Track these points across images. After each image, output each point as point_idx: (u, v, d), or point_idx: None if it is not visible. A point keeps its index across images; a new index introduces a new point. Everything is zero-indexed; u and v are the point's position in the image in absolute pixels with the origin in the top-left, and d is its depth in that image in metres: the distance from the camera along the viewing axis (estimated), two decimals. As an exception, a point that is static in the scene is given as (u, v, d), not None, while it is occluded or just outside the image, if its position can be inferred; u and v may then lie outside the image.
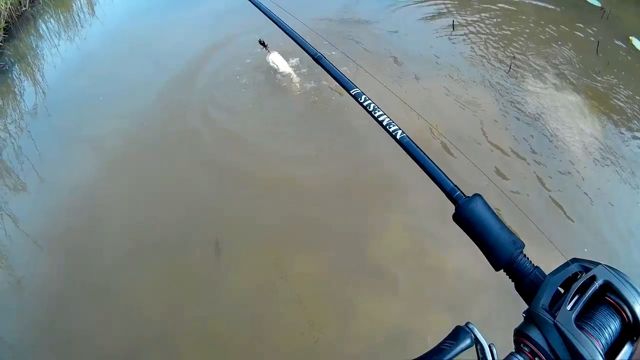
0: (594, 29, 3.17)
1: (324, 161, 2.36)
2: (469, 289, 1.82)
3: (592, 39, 3.05)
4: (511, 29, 3.22)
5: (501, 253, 0.50)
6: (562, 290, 0.44)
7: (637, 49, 3.12)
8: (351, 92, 0.75)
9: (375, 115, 0.69)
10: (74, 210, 2.30)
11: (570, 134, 2.43)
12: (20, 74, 3.33)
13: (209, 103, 2.75)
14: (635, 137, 2.43)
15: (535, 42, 3.08)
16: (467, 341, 0.42)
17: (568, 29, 3.20)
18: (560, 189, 2.15)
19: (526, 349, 0.41)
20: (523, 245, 0.50)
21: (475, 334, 0.42)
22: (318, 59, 0.84)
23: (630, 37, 3.23)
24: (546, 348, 0.40)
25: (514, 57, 2.93)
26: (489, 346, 0.42)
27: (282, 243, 2.04)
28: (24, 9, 4.16)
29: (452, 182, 0.57)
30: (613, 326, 0.41)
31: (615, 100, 2.65)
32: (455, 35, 3.15)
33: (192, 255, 2.05)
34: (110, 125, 2.70)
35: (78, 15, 3.92)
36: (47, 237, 2.19)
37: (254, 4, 1.06)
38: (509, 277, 0.50)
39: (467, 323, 0.43)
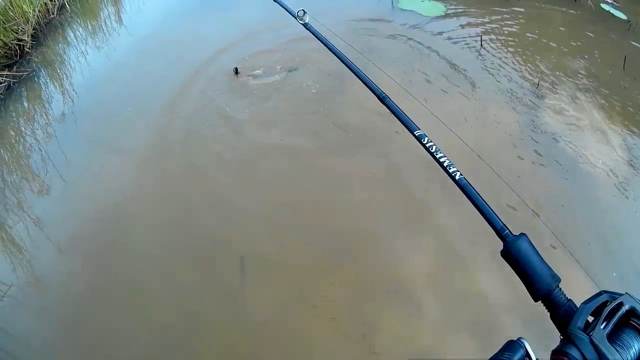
0: (620, 42, 3.12)
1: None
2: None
3: (618, 53, 2.98)
4: (537, 43, 3.19)
5: (541, 286, 0.57)
6: (590, 320, 0.50)
7: None
8: (415, 133, 0.79)
9: (437, 156, 0.75)
10: (100, 218, 2.27)
11: (595, 155, 2.36)
12: (47, 81, 3.34)
13: (243, 115, 2.73)
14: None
15: (562, 56, 3.04)
16: (520, 353, 0.49)
17: (594, 42, 3.16)
18: (585, 217, 2.08)
19: None
20: (559, 280, 0.57)
21: (527, 348, 0.50)
22: (383, 99, 0.88)
23: None
24: None
25: (542, 72, 2.89)
26: None
27: (309, 267, 1.99)
28: (52, 16, 4.21)
29: (501, 221, 0.64)
30: (637, 346, 0.47)
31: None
32: (484, 50, 3.13)
33: (219, 270, 2.00)
34: (138, 134, 2.68)
35: (106, 24, 3.95)
36: (71, 243, 2.18)
37: (319, 40, 1.09)
38: (545, 307, 0.57)
39: (520, 338, 0.51)
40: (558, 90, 2.78)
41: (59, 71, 3.41)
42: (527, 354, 0.49)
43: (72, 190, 2.44)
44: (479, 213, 0.66)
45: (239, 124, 2.67)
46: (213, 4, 4.02)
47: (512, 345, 0.50)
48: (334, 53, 1.06)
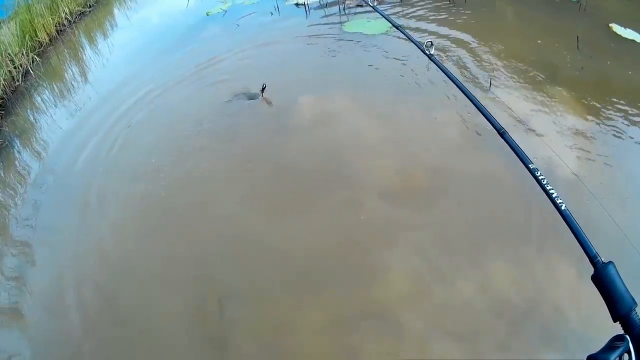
0: (572, 24, 3.22)
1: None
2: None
3: (571, 35, 3.06)
4: (489, 38, 3.32)
5: (622, 308, 0.67)
6: None
7: (619, 35, 3.12)
8: (529, 166, 0.89)
9: (547, 188, 0.85)
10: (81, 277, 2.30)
11: (561, 141, 2.43)
12: (21, 149, 3.41)
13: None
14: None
15: (516, 49, 3.13)
16: (625, 344, 0.60)
17: (546, 29, 3.26)
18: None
19: None
20: (637, 304, 0.67)
21: (629, 341, 0.61)
22: (502, 134, 0.97)
23: (611, 25, 3.22)
24: None
25: (493, 71, 3.01)
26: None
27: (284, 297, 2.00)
28: (17, 83, 4.32)
29: (594, 249, 0.76)
30: None
31: (607, 94, 2.66)
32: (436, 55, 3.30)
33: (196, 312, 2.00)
34: (116, 190, 2.75)
35: (72, 85, 4.07)
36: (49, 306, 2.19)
37: (442, 71, 1.17)
38: (622, 327, 0.67)
39: (624, 334, 0.63)
40: (512, 82, 2.87)
41: (31, 138, 3.49)
42: (629, 347, 0.60)
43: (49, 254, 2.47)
44: (574, 238, 0.78)
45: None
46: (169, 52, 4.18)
47: (622, 337, 0.62)
48: (455, 85, 1.14)
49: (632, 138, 2.39)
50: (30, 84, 4.20)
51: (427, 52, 1.25)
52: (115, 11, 7.19)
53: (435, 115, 2.72)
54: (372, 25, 3.96)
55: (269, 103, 3.08)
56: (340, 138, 2.65)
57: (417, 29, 3.66)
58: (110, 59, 4.49)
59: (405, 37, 1.45)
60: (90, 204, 2.68)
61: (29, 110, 3.87)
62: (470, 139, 2.52)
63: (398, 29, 1.56)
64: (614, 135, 2.42)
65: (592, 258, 0.74)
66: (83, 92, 3.94)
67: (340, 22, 4.03)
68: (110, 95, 3.73)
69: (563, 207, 0.81)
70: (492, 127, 0.99)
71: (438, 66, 1.19)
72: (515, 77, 2.95)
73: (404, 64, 3.19)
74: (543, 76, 2.90)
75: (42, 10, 5.19)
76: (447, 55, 3.21)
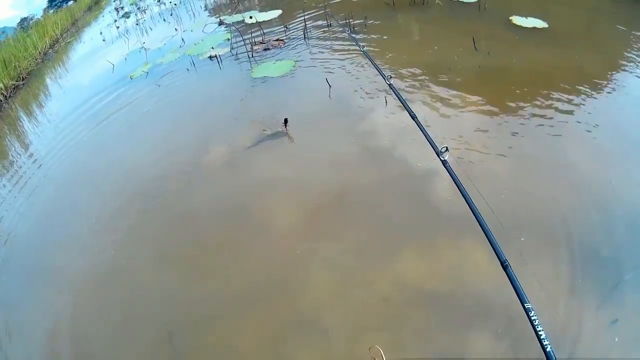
0: (472, 25, 3.50)
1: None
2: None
3: (471, 36, 3.31)
4: (390, 49, 3.75)
5: None
6: None
7: (519, 26, 3.41)
8: (525, 305, 0.96)
9: (537, 330, 0.93)
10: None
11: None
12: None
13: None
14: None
15: (415, 56, 3.51)
16: None
17: (446, 34, 3.57)
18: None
19: None
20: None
21: None
22: (505, 267, 1.06)
23: (511, 18, 3.51)
24: None
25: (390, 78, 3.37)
26: None
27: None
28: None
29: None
30: None
31: (508, 87, 3.01)
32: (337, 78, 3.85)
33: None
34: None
35: (16, 161, 4.44)
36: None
37: (453, 180, 1.34)
38: None
39: None
40: (417, 89, 3.27)
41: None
42: None
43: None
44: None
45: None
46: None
47: None
48: (464, 197, 1.24)
49: (523, 125, 2.81)
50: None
51: (441, 157, 1.36)
52: (48, 81, 7.57)
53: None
54: (277, 66, 4.65)
55: (291, 138, 3.27)
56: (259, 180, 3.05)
57: (325, 60, 4.35)
58: (47, 128, 4.88)
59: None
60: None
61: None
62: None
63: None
64: (512, 125, 2.83)
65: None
66: (27, 168, 4.30)
67: (250, 69, 4.68)
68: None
69: (548, 348, 0.91)
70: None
71: (449, 173, 1.34)
72: (412, 81, 3.45)
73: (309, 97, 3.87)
74: (440, 79, 3.38)
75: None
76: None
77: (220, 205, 2.83)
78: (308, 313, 2.05)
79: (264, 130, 3.37)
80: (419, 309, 1.95)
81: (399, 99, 1.76)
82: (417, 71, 3.60)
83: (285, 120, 3.23)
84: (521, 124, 2.85)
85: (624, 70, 3.26)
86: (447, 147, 1.37)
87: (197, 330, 2.13)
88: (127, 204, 3.08)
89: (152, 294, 2.40)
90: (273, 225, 2.57)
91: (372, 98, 3.53)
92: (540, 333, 0.92)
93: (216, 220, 2.74)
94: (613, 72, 3.25)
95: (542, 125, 2.81)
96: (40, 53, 9.85)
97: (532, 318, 0.94)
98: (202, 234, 2.67)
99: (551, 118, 2.85)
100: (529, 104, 3.00)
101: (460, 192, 1.25)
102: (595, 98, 3.00)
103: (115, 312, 2.36)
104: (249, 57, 4.96)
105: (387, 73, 1.84)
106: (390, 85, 1.82)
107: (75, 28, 12.89)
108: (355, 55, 4.31)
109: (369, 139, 3.03)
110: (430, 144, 1.47)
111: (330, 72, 4.06)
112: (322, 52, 4.61)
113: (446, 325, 1.86)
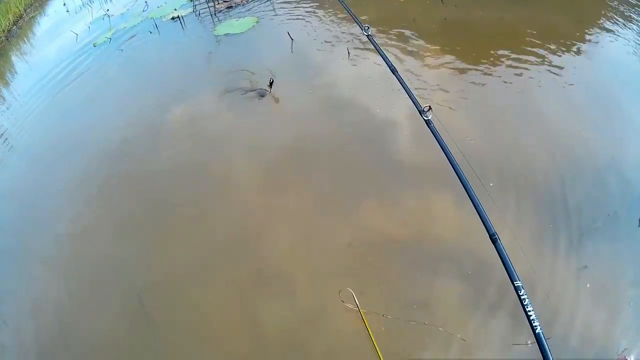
0: None
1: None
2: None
3: None
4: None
5: None
6: None
7: None
8: (515, 283, 0.96)
9: (527, 309, 0.92)
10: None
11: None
12: None
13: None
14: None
15: (382, 8, 3.63)
16: None
17: None
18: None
19: None
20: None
21: None
22: (494, 241, 1.05)
23: None
24: None
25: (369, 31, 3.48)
26: None
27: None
28: None
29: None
30: None
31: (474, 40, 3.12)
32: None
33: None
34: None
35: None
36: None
37: (437, 141, 1.29)
38: None
39: None
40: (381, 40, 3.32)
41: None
42: None
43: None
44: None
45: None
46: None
47: None
48: (447, 157, 1.24)
49: (489, 74, 2.87)
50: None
51: (424, 117, 1.34)
52: (14, 59, 7.30)
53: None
54: (240, 23, 4.54)
55: (277, 100, 3.20)
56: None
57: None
58: (13, 104, 4.78)
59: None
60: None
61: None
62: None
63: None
64: (475, 76, 2.88)
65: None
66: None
67: (213, 28, 4.57)
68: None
69: (538, 330, 0.90)
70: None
71: (433, 134, 1.31)
72: (384, 36, 3.48)
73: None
74: (408, 32, 3.42)
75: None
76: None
77: (182, 163, 2.86)
78: (273, 264, 2.10)
79: (225, 89, 3.34)
80: (383, 252, 2.02)
81: (378, 51, 1.67)
82: (383, 24, 3.61)
83: (271, 82, 3.18)
84: (485, 75, 2.87)
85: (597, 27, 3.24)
86: (430, 106, 1.32)
87: (164, 290, 2.14)
88: (93, 169, 3.06)
89: (119, 258, 2.41)
90: (233, 181, 2.62)
91: (332, 52, 3.53)
92: (530, 313, 0.91)
93: (178, 179, 2.77)
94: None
95: (505, 78, 2.83)
96: (4, 31, 9.45)
97: (522, 297, 0.93)
98: (165, 193, 2.70)
99: (516, 69, 2.87)
100: (492, 58, 3.01)
101: (448, 158, 1.26)
102: (563, 54, 3.01)
103: (84, 280, 2.37)
104: (212, 17, 4.83)
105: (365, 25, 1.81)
106: (369, 36, 1.72)
107: (39, 2, 12.31)
108: (318, 9, 4.23)
109: (330, 89, 3.05)
110: (413, 102, 1.39)
111: (293, 27, 3.99)
112: (285, 8, 4.50)
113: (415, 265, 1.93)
